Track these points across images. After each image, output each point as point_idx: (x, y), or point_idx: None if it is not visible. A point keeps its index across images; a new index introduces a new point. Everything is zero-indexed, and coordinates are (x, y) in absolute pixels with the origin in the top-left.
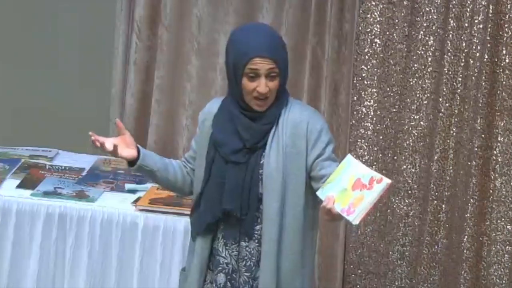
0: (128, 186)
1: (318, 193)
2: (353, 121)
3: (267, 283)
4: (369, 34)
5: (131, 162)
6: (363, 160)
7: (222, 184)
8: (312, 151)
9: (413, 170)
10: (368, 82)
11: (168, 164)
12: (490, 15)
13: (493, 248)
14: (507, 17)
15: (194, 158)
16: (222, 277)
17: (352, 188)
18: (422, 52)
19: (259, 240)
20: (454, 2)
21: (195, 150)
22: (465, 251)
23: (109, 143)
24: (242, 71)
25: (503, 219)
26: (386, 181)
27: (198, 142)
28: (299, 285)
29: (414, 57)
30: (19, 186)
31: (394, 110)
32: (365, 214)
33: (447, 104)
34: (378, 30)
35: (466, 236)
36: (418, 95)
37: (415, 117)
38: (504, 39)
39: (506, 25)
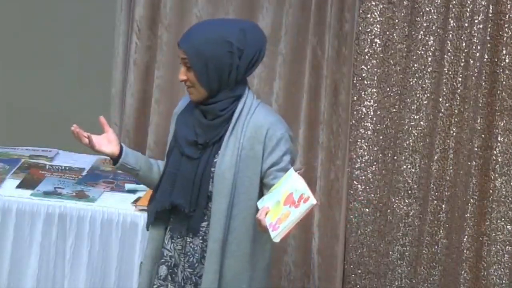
0: (128, 186)
1: (258, 203)
2: (353, 121)
3: (209, 283)
4: (369, 34)
5: (115, 161)
6: (363, 160)
7: (175, 176)
8: (268, 158)
9: (413, 170)
10: (368, 82)
11: (152, 164)
12: (490, 15)
13: (493, 248)
14: (507, 17)
15: None
16: (164, 269)
17: (284, 203)
18: (422, 52)
19: (204, 237)
20: (454, 2)
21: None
22: (465, 251)
23: (85, 138)
24: None
25: (503, 219)
26: (312, 201)
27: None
28: None
29: (414, 57)
30: (19, 186)
31: (394, 110)
32: (288, 232)
33: (447, 104)
34: (378, 30)
35: (466, 236)
36: (418, 95)
37: (415, 117)
38: (504, 39)
39: (506, 25)
